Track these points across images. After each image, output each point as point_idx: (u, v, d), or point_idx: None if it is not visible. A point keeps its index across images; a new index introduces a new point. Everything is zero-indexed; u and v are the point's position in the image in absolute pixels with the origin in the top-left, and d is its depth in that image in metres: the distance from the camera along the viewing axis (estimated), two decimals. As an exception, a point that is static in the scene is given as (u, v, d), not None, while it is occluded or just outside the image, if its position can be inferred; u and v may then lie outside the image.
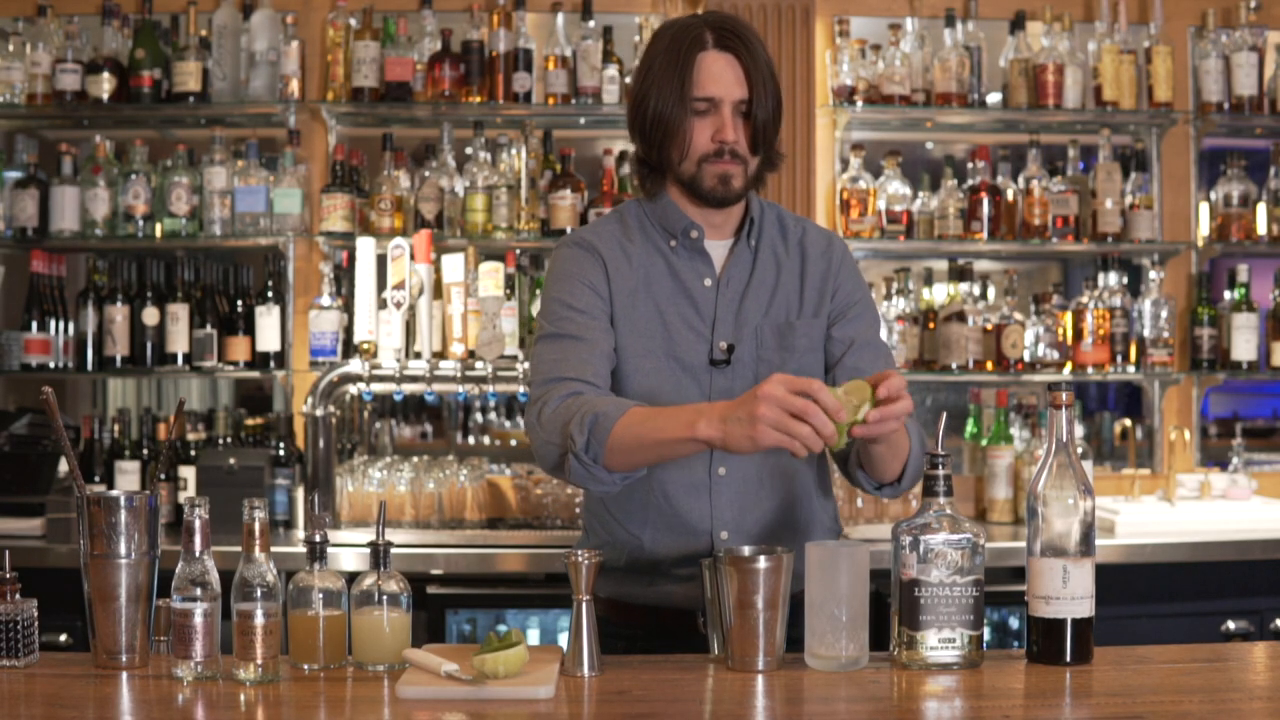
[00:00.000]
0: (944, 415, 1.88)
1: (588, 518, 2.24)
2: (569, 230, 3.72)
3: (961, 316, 3.84)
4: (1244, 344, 3.95)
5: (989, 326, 3.87)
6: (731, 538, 2.10)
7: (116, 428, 3.78)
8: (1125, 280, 3.97)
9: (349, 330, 3.69)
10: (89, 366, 3.82)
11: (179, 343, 3.78)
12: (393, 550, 1.88)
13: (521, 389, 3.44)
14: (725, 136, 2.06)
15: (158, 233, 3.82)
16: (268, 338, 3.77)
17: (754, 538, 2.10)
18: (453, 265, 3.46)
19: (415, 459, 3.62)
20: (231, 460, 3.52)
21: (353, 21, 3.85)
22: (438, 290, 3.49)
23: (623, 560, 2.14)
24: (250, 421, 3.82)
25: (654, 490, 2.10)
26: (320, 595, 1.82)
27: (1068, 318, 3.93)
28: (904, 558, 1.82)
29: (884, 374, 1.84)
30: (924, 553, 1.81)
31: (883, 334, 2.38)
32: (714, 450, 2.02)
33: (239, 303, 3.82)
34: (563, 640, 3.25)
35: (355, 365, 3.44)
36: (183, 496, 3.58)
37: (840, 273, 2.19)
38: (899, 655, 1.83)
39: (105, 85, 3.78)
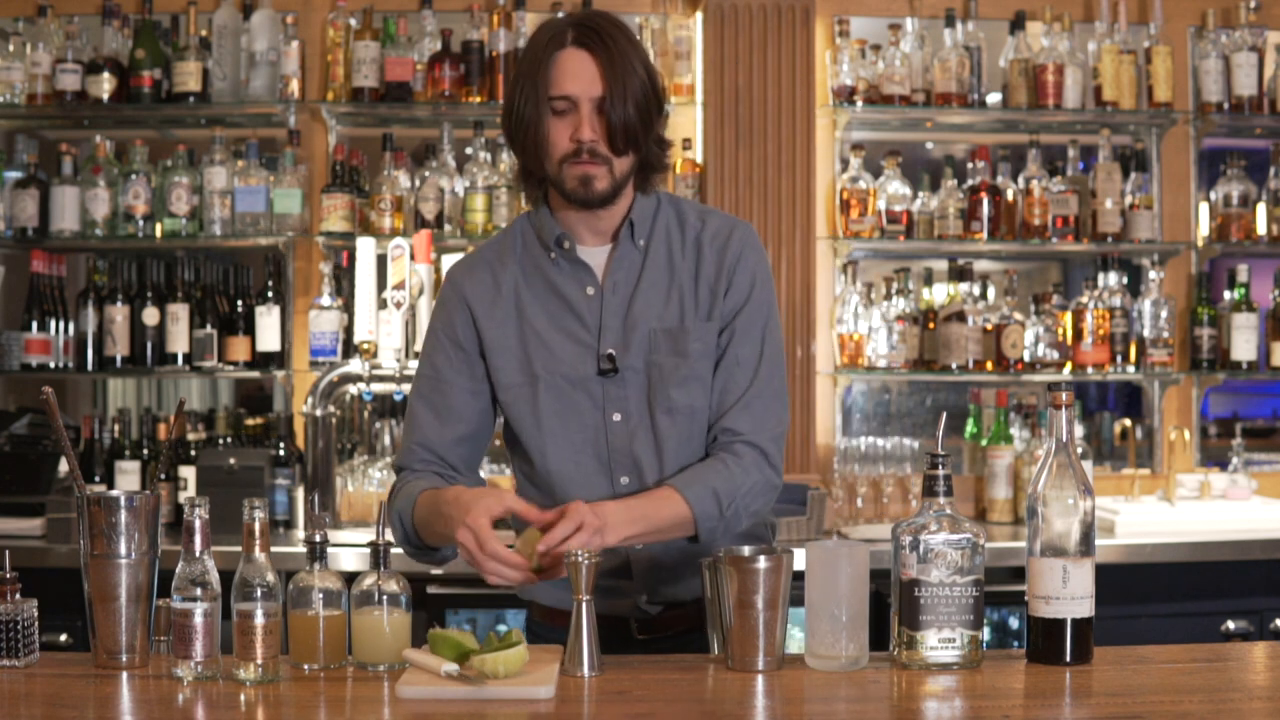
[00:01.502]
0: (943, 415, 1.88)
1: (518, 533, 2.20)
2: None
3: (961, 316, 3.84)
4: (1244, 344, 3.95)
5: (989, 326, 3.87)
6: (646, 547, 2.05)
7: (116, 428, 3.78)
8: (1125, 280, 3.97)
9: (349, 330, 3.69)
10: (89, 366, 3.82)
11: (179, 343, 3.78)
12: (393, 550, 1.88)
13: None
14: (581, 135, 1.98)
15: (158, 233, 3.82)
16: (268, 338, 3.77)
17: (668, 544, 2.04)
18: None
19: (415, 459, 3.61)
20: (231, 460, 3.52)
21: (353, 21, 3.85)
22: (437, 290, 3.48)
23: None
24: (250, 421, 3.82)
25: (560, 503, 2.03)
26: (320, 595, 1.82)
27: (1068, 318, 3.93)
28: (904, 558, 1.82)
29: (558, 514, 1.87)
30: (924, 553, 1.81)
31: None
32: (613, 461, 2.05)
33: (239, 303, 3.82)
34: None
35: (355, 365, 3.45)
36: (183, 496, 3.57)
37: (736, 270, 2.09)
38: (899, 655, 1.83)
39: (105, 85, 3.78)
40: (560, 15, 2.10)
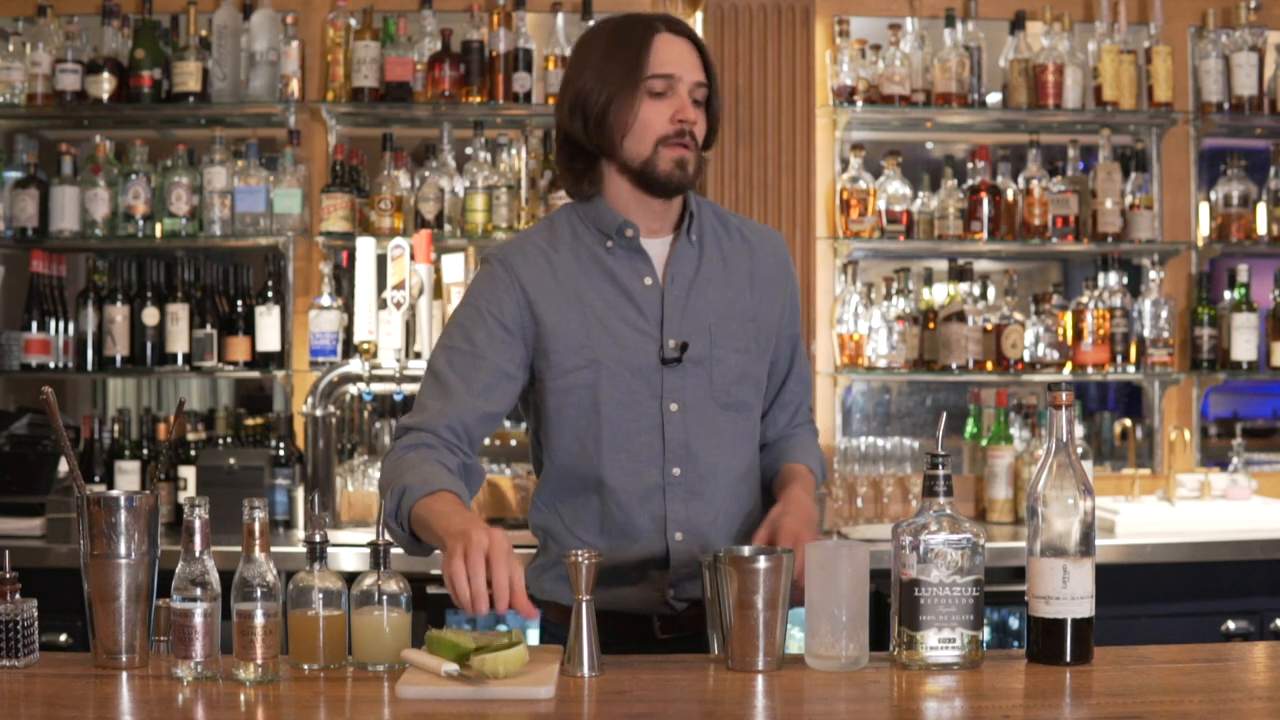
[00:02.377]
0: (943, 415, 1.88)
1: (541, 535, 2.17)
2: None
3: (961, 316, 3.84)
4: (1244, 344, 3.95)
5: (989, 326, 3.87)
6: (686, 539, 2.07)
7: (116, 428, 3.78)
8: (1125, 280, 3.97)
9: (349, 330, 3.69)
10: (89, 366, 3.82)
11: (179, 343, 3.78)
12: (393, 550, 1.88)
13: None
14: (686, 115, 2.01)
15: (158, 233, 3.82)
16: (268, 338, 3.77)
17: (706, 538, 2.07)
18: (453, 265, 3.46)
19: (415, 459, 3.61)
20: (231, 460, 3.52)
21: (353, 21, 3.85)
22: (438, 290, 3.49)
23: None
24: (250, 421, 3.82)
25: (606, 500, 2.07)
26: (320, 595, 1.82)
27: (1068, 318, 3.93)
28: (904, 558, 1.82)
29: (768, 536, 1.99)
30: (924, 553, 1.81)
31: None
32: (668, 451, 2.06)
33: (239, 303, 3.82)
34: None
35: (355, 365, 3.44)
36: (183, 496, 3.57)
37: (788, 274, 2.20)
38: (899, 655, 1.83)
39: (105, 85, 3.78)
40: (636, 13, 2.14)
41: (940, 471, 1.83)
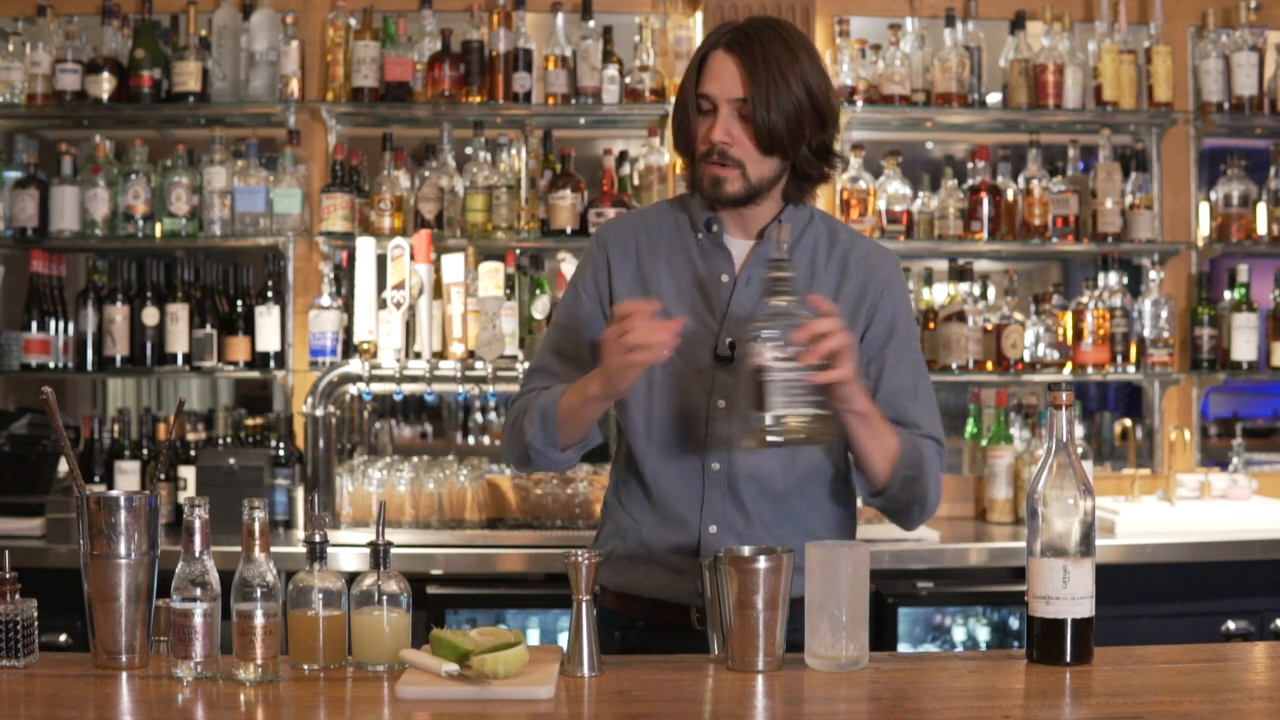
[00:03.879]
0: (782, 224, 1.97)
1: (604, 508, 2.27)
2: (569, 230, 3.73)
3: (961, 316, 3.84)
4: (1244, 344, 3.94)
5: (989, 326, 3.87)
6: (720, 533, 2.09)
7: (116, 428, 3.78)
8: (1125, 280, 3.97)
9: (349, 330, 3.69)
10: (89, 366, 3.81)
11: (179, 343, 3.78)
12: (393, 550, 1.87)
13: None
14: (713, 136, 2.05)
15: (158, 233, 3.82)
16: (268, 338, 3.77)
17: (743, 536, 2.08)
18: (453, 265, 3.46)
19: (415, 459, 3.62)
20: (231, 460, 3.52)
21: (353, 21, 3.85)
22: (438, 290, 3.49)
23: (625, 549, 2.16)
24: (250, 421, 3.82)
25: (648, 480, 2.12)
26: (320, 595, 1.82)
27: (1068, 318, 3.93)
28: (754, 348, 1.88)
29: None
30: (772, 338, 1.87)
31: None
32: (710, 445, 2.07)
33: (239, 303, 3.82)
34: (562, 640, 3.25)
35: (355, 365, 3.44)
36: (183, 496, 3.57)
37: (881, 297, 2.13)
38: (759, 434, 1.88)
39: (105, 85, 3.78)
40: (734, 21, 2.15)
41: (776, 274, 1.91)
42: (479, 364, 3.42)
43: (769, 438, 1.87)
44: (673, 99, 3.79)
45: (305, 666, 1.82)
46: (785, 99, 2.03)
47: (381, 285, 3.45)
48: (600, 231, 2.24)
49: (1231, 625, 3.42)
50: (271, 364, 3.78)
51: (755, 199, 2.10)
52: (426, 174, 3.82)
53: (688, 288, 2.13)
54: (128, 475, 3.70)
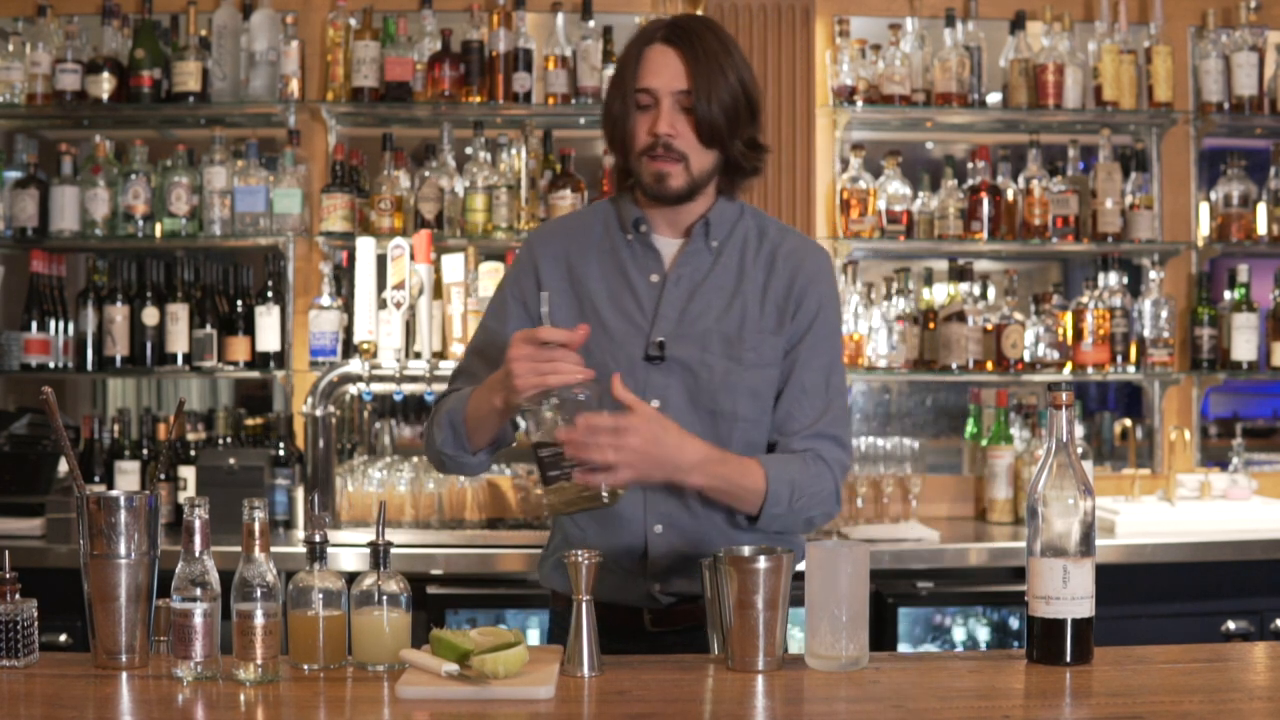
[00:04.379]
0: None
1: (553, 521, 2.26)
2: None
3: (961, 316, 3.84)
4: (1244, 344, 3.94)
5: (989, 326, 3.87)
6: (666, 532, 2.09)
7: (116, 428, 3.78)
8: (1125, 280, 3.97)
9: (349, 330, 3.69)
10: (89, 366, 3.82)
11: (179, 343, 3.78)
12: (393, 550, 1.87)
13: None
14: (658, 128, 2.05)
15: (158, 233, 3.82)
16: (268, 338, 3.77)
17: (689, 532, 2.09)
18: (453, 265, 3.46)
19: (415, 459, 3.62)
20: (231, 460, 3.52)
21: (353, 21, 3.85)
22: (438, 290, 3.49)
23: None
24: (250, 421, 3.82)
25: None
26: (320, 595, 1.82)
27: (1068, 318, 3.93)
28: (529, 429, 1.93)
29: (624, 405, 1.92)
30: (536, 419, 1.92)
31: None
32: None
33: (239, 303, 3.82)
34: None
35: (355, 365, 3.44)
36: (183, 496, 3.57)
37: (806, 291, 2.13)
38: (546, 511, 1.92)
39: (105, 85, 3.78)
40: (661, 17, 2.18)
41: None
42: (479, 364, 3.42)
43: (549, 510, 1.94)
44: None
45: (305, 666, 1.82)
46: (724, 90, 2.06)
47: (381, 285, 3.45)
48: (529, 238, 2.24)
49: (1231, 625, 3.42)
50: (271, 364, 3.78)
51: (695, 194, 2.10)
52: (426, 174, 3.82)
53: (618, 289, 2.13)
54: (128, 475, 3.70)
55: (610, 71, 3.79)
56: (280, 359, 3.79)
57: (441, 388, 3.44)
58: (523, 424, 1.95)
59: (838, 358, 2.17)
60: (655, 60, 2.06)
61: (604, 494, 1.91)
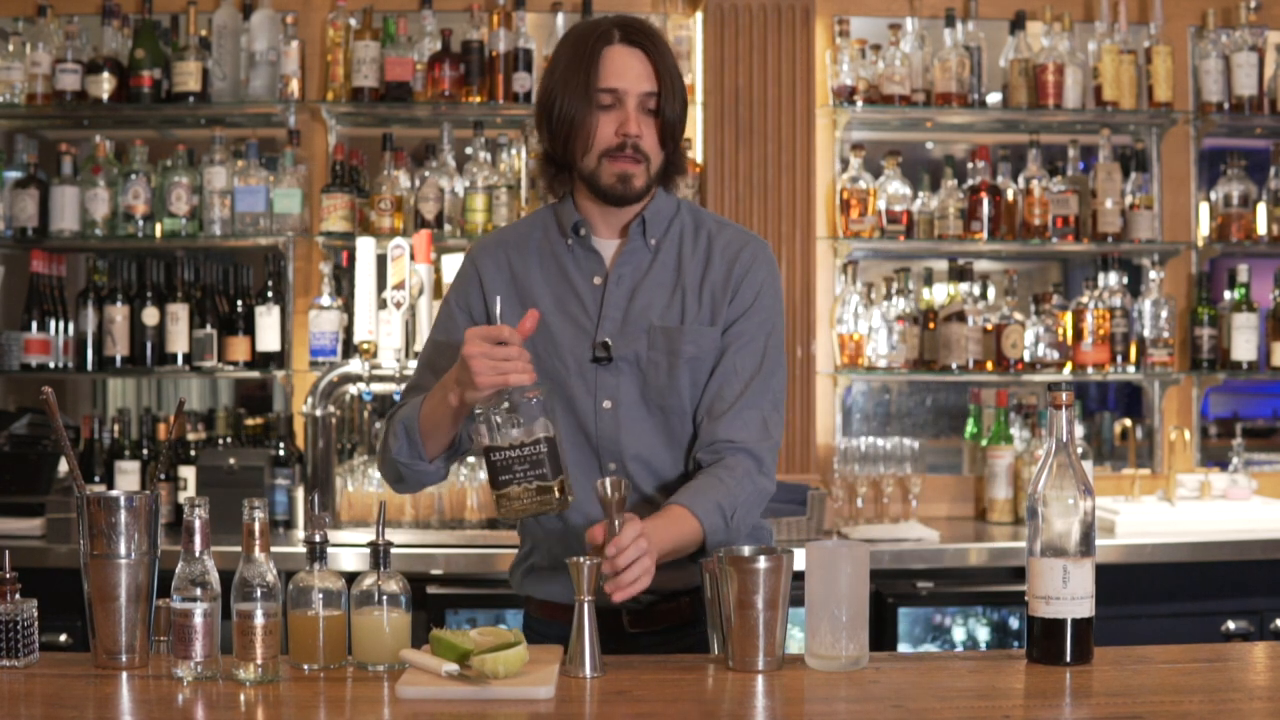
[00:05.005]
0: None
1: (521, 526, 2.23)
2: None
3: (961, 316, 3.84)
4: (1244, 344, 3.95)
5: (989, 326, 3.87)
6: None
7: (116, 428, 3.78)
8: (1125, 280, 3.97)
9: (349, 330, 3.69)
10: (89, 366, 3.82)
11: (179, 343, 3.78)
12: (393, 550, 1.88)
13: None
14: (629, 129, 2.04)
15: (158, 233, 3.82)
16: (268, 338, 3.77)
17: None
18: (453, 265, 3.46)
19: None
20: (231, 460, 3.52)
21: (353, 21, 3.85)
22: (438, 290, 3.49)
23: (543, 559, 2.16)
24: (250, 421, 3.82)
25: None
26: (320, 595, 1.82)
27: (1068, 318, 3.93)
28: (479, 432, 1.90)
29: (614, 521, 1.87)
30: (487, 422, 1.89)
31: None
32: (601, 448, 2.08)
33: (239, 303, 3.82)
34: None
35: (355, 365, 3.44)
36: (183, 496, 3.58)
37: (743, 281, 2.13)
38: (498, 513, 1.90)
39: (105, 85, 3.78)
40: (600, 16, 2.17)
41: None
42: (479, 364, 3.42)
43: (502, 514, 1.91)
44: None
45: (305, 666, 1.82)
46: (681, 92, 2.09)
47: (381, 285, 3.45)
48: (472, 250, 2.22)
49: (1231, 625, 3.42)
50: (271, 364, 3.78)
51: (647, 193, 2.11)
52: (426, 174, 3.82)
53: (563, 294, 2.13)
54: (128, 475, 3.70)
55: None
56: (280, 359, 3.79)
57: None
58: (474, 430, 1.92)
59: (776, 343, 2.15)
60: (618, 61, 2.05)
61: (557, 496, 1.88)
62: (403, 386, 3.44)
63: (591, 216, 2.14)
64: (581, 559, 1.80)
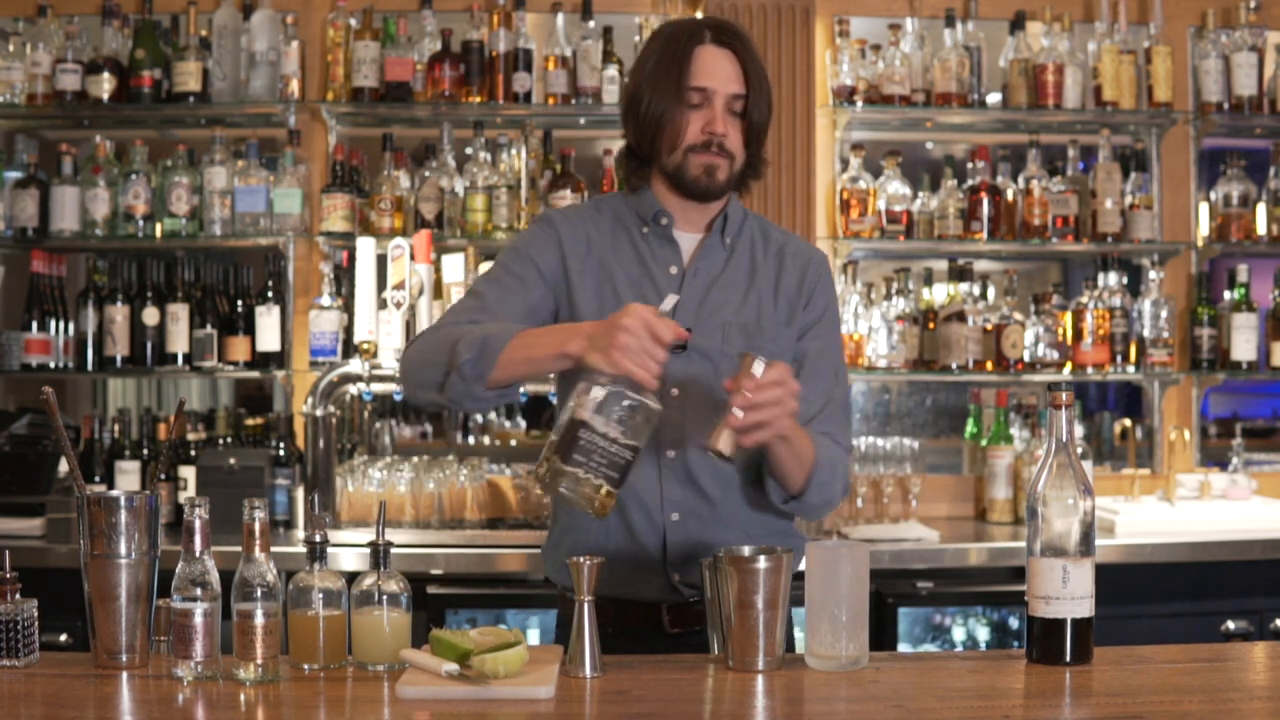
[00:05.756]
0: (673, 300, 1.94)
1: (555, 533, 2.23)
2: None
3: (961, 316, 3.84)
4: (1244, 344, 3.95)
5: (989, 326, 3.87)
6: (683, 520, 2.10)
7: (116, 428, 3.78)
8: (1125, 280, 3.97)
9: (349, 330, 3.69)
10: (89, 366, 3.82)
11: (179, 343, 3.78)
12: (393, 550, 1.88)
13: (521, 389, 3.44)
14: (715, 128, 2.09)
15: (158, 233, 3.82)
16: (268, 338, 3.77)
17: (705, 520, 2.10)
18: (453, 265, 3.46)
19: (415, 459, 3.62)
20: (231, 460, 3.52)
21: (353, 21, 3.86)
22: (438, 290, 3.49)
23: (584, 545, 2.15)
24: (250, 421, 3.82)
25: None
26: (320, 595, 1.82)
27: (1068, 318, 3.93)
28: (582, 400, 1.81)
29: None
30: (603, 401, 1.80)
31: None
32: (663, 433, 2.05)
33: (239, 303, 3.82)
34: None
35: (355, 365, 3.44)
36: (183, 496, 3.58)
37: (816, 288, 2.21)
38: (538, 470, 1.83)
39: (105, 85, 3.78)
40: (690, 17, 2.24)
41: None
42: (479, 364, 3.42)
43: (543, 481, 1.84)
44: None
45: (305, 666, 1.82)
46: (768, 96, 2.14)
47: (382, 285, 3.45)
48: (548, 214, 2.22)
49: (1231, 625, 3.42)
50: (271, 364, 3.78)
51: (727, 191, 2.17)
52: (426, 174, 3.82)
53: (639, 278, 2.16)
54: (128, 475, 3.70)
55: (611, 71, 3.79)
56: (280, 359, 3.79)
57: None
58: (577, 394, 1.82)
59: (842, 354, 2.25)
60: (709, 61, 2.10)
61: (603, 501, 1.83)
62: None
63: (674, 209, 2.18)
64: (581, 559, 1.80)
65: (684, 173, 2.12)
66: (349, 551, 3.23)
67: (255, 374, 3.83)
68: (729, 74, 2.10)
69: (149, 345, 3.79)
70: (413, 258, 3.42)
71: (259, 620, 1.74)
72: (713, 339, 2.13)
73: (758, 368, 1.85)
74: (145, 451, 3.78)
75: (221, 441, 3.77)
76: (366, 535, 3.16)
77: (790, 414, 1.90)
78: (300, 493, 3.63)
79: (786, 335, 2.17)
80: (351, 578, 1.88)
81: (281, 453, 3.66)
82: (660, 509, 2.11)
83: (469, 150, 3.88)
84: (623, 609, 2.12)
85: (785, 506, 2.11)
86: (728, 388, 1.87)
